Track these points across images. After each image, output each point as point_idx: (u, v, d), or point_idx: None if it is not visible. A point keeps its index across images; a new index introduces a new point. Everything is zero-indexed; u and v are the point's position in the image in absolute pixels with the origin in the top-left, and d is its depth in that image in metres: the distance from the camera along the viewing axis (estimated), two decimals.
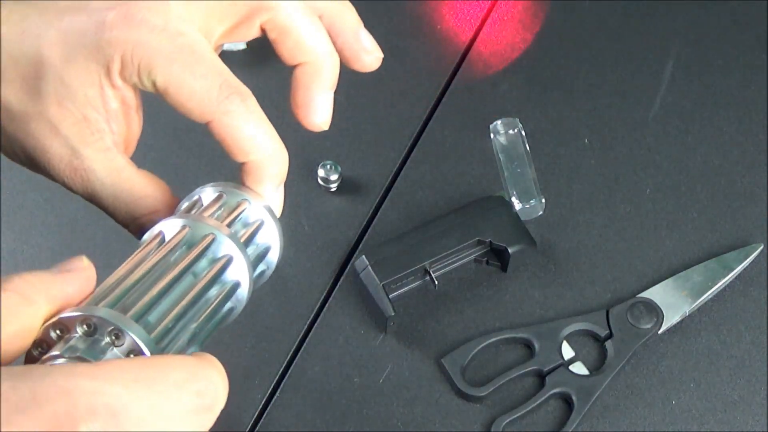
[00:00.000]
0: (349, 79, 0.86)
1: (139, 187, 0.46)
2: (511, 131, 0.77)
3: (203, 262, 0.42)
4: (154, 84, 0.44)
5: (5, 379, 0.31)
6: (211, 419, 0.35)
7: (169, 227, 0.43)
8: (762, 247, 0.74)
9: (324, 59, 0.48)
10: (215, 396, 0.35)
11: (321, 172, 0.77)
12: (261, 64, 0.81)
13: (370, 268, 0.70)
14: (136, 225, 0.46)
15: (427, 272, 0.72)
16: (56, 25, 0.44)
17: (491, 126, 0.78)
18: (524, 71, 0.85)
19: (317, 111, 0.48)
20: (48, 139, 0.45)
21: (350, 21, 0.50)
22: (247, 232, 0.45)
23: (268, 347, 0.71)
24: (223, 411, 0.72)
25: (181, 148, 0.80)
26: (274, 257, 0.47)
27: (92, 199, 0.46)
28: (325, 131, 0.80)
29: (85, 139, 0.45)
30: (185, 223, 0.43)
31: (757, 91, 0.84)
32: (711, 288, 0.72)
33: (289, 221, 0.77)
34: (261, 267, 0.47)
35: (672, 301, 0.72)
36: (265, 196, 0.47)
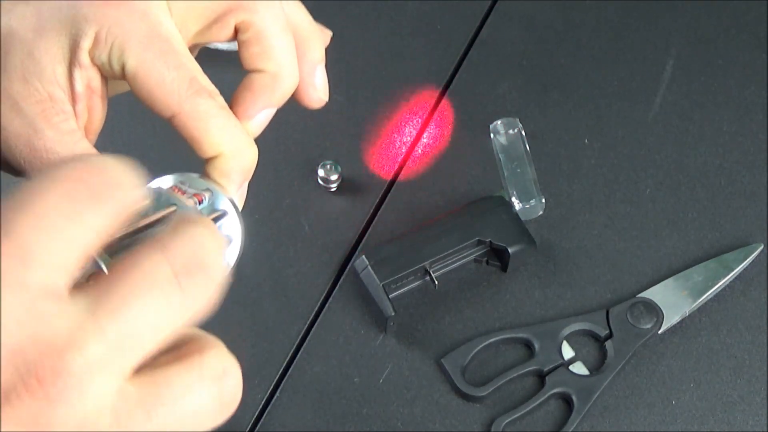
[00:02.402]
0: (349, 79, 0.86)
1: None
2: (511, 131, 0.77)
3: None
4: (123, 67, 0.42)
5: None
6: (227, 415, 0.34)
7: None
8: (762, 247, 0.74)
9: (285, 74, 0.46)
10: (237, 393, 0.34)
11: (321, 172, 0.77)
12: None
13: (370, 268, 0.70)
14: None
15: (427, 272, 0.72)
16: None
17: (491, 126, 0.78)
18: (524, 71, 0.85)
19: (257, 123, 0.47)
20: (8, 116, 0.43)
21: (315, 51, 0.49)
22: (213, 217, 0.44)
23: (268, 347, 0.71)
24: None
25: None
26: (233, 254, 0.45)
27: None
28: (325, 131, 0.81)
29: (48, 119, 0.43)
30: (157, 193, 0.41)
31: (757, 91, 0.84)
32: (711, 288, 0.72)
33: (289, 221, 0.77)
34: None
35: (672, 301, 0.72)
36: (231, 192, 0.45)
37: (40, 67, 0.43)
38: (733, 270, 0.73)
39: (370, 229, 0.76)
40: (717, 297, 0.73)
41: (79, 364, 0.29)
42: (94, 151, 0.44)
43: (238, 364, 0.34)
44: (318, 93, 0.49)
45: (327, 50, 0.85)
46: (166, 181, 0.44)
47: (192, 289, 0.32)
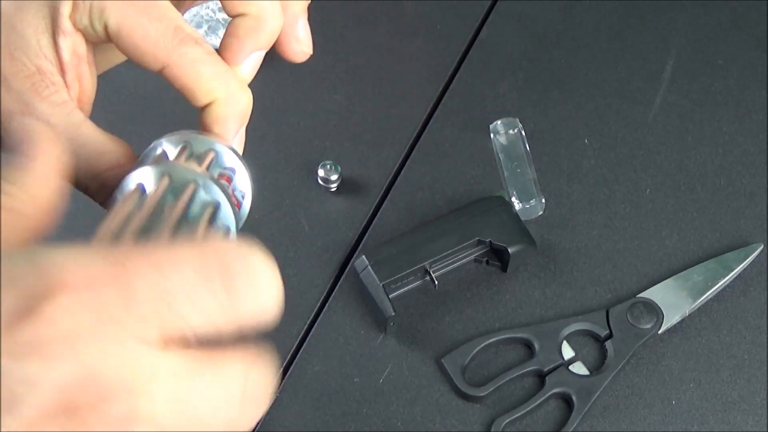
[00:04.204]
0: (349, 79, 0.86)
1: (99, 141, 0.44)
2: (511, 131, 0.77)
3: (195, 209, 0.40)
4: (105, 27, 0.42)
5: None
6: (256, 415, 0.33)
7: (148, 177, 0.41)
8: (762, 247, 0.74)
9: (268, 15, 0.45)
10: (265, 390, 0.34)
11: (321, 172, 0.77)
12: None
13: (370, 268, 0.70)
14: (98, 182, 0.44)
15: (427, 272, 0.72)
16: None
17: (491, 126, 0.78)
18: (524, 71, 0.85)
19: (247, 68, 0.46)
20: None
21: (296, 3, 0.48)
22: (224, 178, 0.44)
23: (268, 347, 0.71)
24: None
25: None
26: (247, 205, 0.45)
27: None
28: (325, 131, 0.81)
29: (39, 93, 0.43)
30: (164, 171, 0.40)
31: (757, 91, 0.84)
32: (711, 288, 0.72)
33: (289, 221, 0.77)
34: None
35: (672, 301, 0.72)
36: (230, 138, 0.44)
37: (24, 41, 0.42)
38: (733, 270, 0.73)
39: (370, 229, 0.76)
40: (717, 297, 0.73)
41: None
42: (88, 122, 0.44)
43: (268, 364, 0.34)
44: (301, 45, 0.48)
45: (327, 50, 0.86)
46: (167, 146, 0.43)
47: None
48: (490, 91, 0.84)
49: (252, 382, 0.33)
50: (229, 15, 0.46)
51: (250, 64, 0.46)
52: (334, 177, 0.77)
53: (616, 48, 0.86)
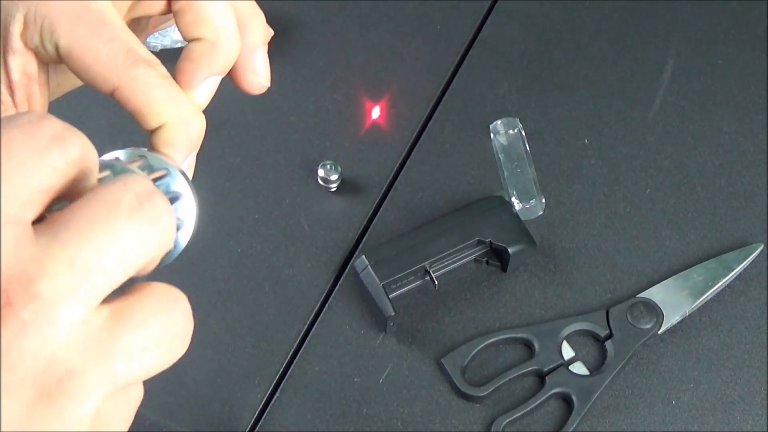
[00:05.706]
0: (349, 79, 0.86)
1: None
2: (511, 131, 0.77)
3: None
4: (57, 47, 0.41)
5: None
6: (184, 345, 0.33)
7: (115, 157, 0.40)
8: (762, 247, 0.74)
9: (224, 39, 0.44)
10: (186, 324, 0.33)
11: (321, 172, 0.77)
12: None
13: (370, 268, 0.70)
14: None
15: (427, 272, 0.72)
16: None
17: (491, 126, 0.78)
18: (524, 71, 0.85)
19: (202, 93, 0.45)
20: None
21: (255, 33, 0.47)
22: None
23: (268, 347, 0.71)
24: (223, 411, 0.72)
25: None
26: (185, 237, 0.43)
27: None
28: (325, 131, 0.81)
29: None
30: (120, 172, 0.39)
31: (757, 91, 0.84)
32: (711, 288, 0.72)
33: (289, 221, 0.77)
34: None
35: (672, 301, 0.72)
36: (179, 163, 0.43)
37: None
38: (733, 270, 0.73)
39: (370, 229, 0.76)
40: (717, 297, 0.73)
41: (50, 289, 0.29)
42: None
43: (184, 295, 0.34)
44: (258, 78, 0.47)
45: (327, 50, 0.86)
46: (109, 157, 0.42)
47: (155, 216, 0.32)
48: (490, 91, 0.83)
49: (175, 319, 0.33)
50: (185, 39, 0.45)
51: (205, 89, 0.45)
52: (334, 177, 0.77)
53: (616, 48, 0.86)
